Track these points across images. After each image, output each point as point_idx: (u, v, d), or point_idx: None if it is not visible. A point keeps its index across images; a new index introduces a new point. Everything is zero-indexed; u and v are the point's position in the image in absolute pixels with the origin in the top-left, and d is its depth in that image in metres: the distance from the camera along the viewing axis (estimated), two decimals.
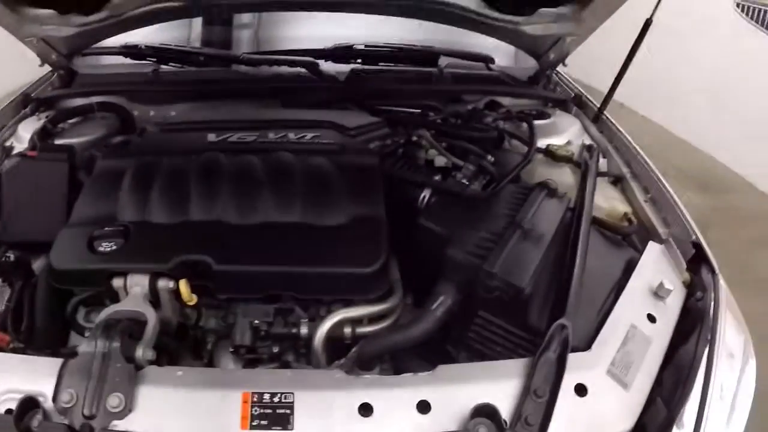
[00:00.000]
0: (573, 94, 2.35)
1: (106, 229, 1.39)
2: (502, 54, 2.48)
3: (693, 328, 1.36)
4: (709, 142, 5.23)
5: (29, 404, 1.04)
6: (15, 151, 1.84)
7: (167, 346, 1.33)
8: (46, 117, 1.97)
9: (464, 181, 1.66)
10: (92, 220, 1.43)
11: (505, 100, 2.26)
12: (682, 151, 5.22)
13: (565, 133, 2.06)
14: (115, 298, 1.33)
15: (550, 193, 1.57)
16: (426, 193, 1.60)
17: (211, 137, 1.74)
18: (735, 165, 5.02)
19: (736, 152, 4.96)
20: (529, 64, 2.44)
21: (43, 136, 1.83)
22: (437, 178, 1.66)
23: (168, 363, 1.33)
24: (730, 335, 1.36)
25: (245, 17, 2.55)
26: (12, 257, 1.48)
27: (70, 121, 2.00)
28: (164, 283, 1.30)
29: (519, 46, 2.34)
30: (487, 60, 2.33)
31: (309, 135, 1.75)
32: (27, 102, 2.13)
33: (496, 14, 1.98)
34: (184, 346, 1.40)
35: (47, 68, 2.25)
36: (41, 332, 1.38)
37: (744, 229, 4.04)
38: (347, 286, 1.35)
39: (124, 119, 2.07)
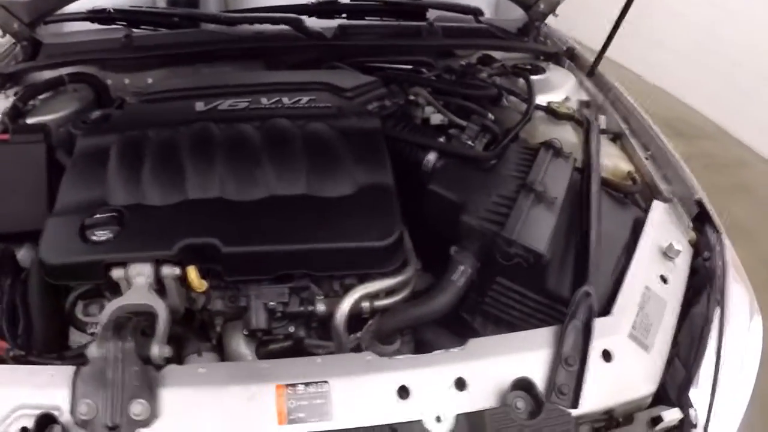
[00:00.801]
0: (565, 48, 2.28)
1: (98, 215, 1.27)
2: (481, 5, 2.39)
3: (702, 288, 1.37)
4: (683, 88, 5.27)
5: (46, 420, 0.97)
6: None
7: (175, 332, 1.25)
8: (14, 94, 1.81)
9: (468, 141, 1.60)
10: (80, 206, 1.31)
11: (496, 54, 2.18)
12: (656, 98, 5.23)
13: (561, 88, 2.01)
14: (115, 289, 1.24)
15: (556, 153, 1.54)
16: (432, 156, 1.54)
17: (200, 106, 1.62)
18: (709, 112, 5.08)
19: (711, 99, 5.01)
20: (512, 15, 2.36)
21: (14, 115, 1.69)
22: (441, 139, 1.60)
23: (176, 350, 1.26)
24: (736, 293, 1.37)
25: None
26: None
27: (41, 96, 1.85)
28: (169, 270, 1.22)
29: None
30: (477, 12, 2.23)
31: (304, 99, 1.64)
32: None
33: None
34: (190, 329, 1.33)
35: (9, 41, 2.07)
36: (40, 333, 1.28)
37: (719, 175, 4.10)
38: (363, 260, 1.30)
39: (98, 90, 1.93)
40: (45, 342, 1.28)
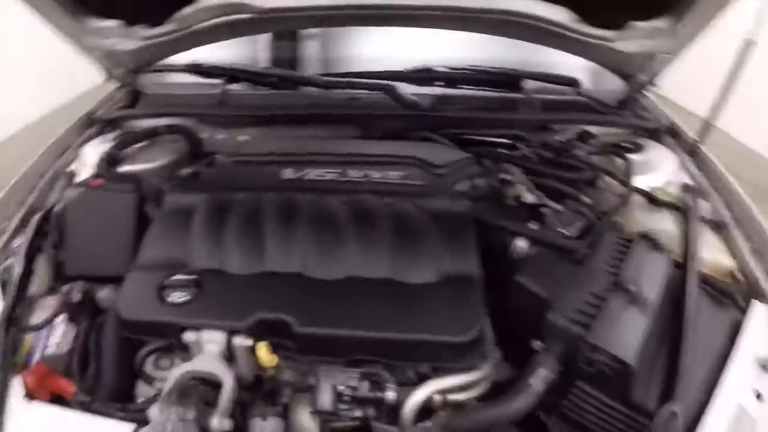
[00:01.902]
0: (665, 123, 2.16)
1: (177, 277, 1.30)
2: (579, 74, 2.31)
3: None
4: None
5: None
6: (79, 178, 1.76)
7: (240, 398, 1.24)
8: (112, 140, 1.89)
9: (563, 230, 1.51)
10: (161, 264, 1.34)
11: (593, 128, 2.09)
12: (756, 164, 4.89)
13: (662, 171, 1.87)
14: (186, 348, 1.24)
15: (653, 246, 1.44)
16: (521, 243, 1.47)
17: (287, 173, 1.63)
18: None
19: None
20: (610, 85, 2.26)
21: (109, 163, 1.75)
22: (532, 225, 1.52)
23: (240, 414, 1.24)
24: None
25: (312, 32, 2.44)
26: (78, 296, 1.41)
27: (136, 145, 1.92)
28: (241, 341, 1.21)
29: (608, 66, 2.15)
30: (574, 83, 2.16)
31: (393, 174, 1.62)
32: (91, 122, 2.05)
33: (588, 29, 1.83)
34: (258, 394, 1.31)
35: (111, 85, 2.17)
36: (108, 381, 1.31)
37: None
38: (440, 353, 1.24)
39: (193, 143, 1.98)
40: (112, 390, 1.30)
